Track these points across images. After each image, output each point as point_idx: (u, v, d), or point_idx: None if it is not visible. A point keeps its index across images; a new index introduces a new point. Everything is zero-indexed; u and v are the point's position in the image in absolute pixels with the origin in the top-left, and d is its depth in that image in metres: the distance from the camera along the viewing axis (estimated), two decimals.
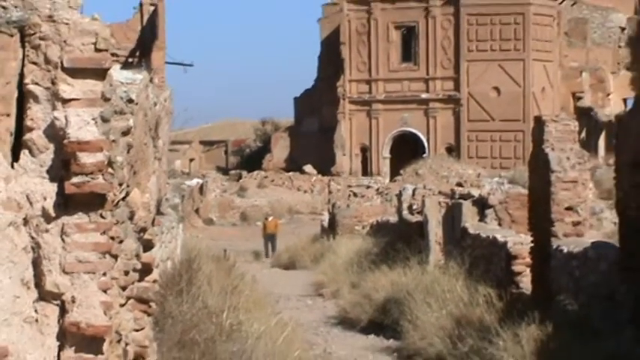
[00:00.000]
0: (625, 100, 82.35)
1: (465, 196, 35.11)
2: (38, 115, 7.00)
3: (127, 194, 8.24)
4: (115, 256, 7.48)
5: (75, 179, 6.86)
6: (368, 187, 70.51)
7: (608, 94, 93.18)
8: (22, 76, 7.03)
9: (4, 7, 7.05)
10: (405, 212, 42.99)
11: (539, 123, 25.50)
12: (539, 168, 24.38)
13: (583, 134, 47.05)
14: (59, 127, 6.92)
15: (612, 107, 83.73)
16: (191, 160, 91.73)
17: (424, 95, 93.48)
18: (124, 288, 8.29)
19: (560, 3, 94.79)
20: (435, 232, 34.34)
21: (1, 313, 6.56)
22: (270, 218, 59.45)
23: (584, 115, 74.93)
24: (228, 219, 72.28)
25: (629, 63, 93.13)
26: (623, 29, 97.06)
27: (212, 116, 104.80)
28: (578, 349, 15.55)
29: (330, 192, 72.81)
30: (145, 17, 62.63)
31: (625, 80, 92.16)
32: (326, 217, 57.43)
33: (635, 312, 17.18)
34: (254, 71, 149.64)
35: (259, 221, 66.22)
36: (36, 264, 6.81)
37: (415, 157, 79.68)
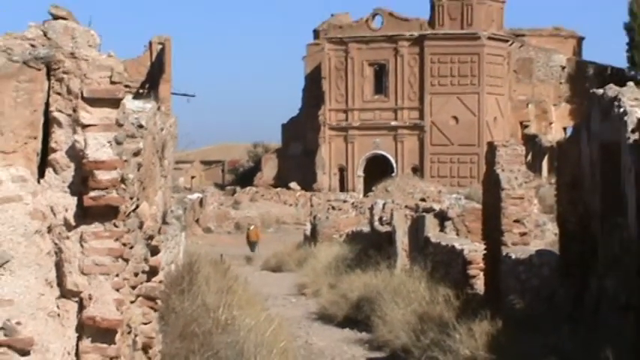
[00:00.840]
0: (565, 129, 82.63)
1: (428, 210, 35.15)
2: (61, 138, 7.01)
3: (137, 206, 8.26)
4: (127, 260, 7.50)
5: (92, 193, 6.89)
6: (344, 201, 70.32)
7: (551, 123, 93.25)
8: (47, 104, 7.03)
9: (33, 46, 7.07)
10: (376, 223, 42.97)
11: (492, 147, 25.60)
12: (492, 186, 24.45)
13: (529, 157, 47.11)
14: (79, 148, 6.94)
15: (554, 134, 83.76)
16: (193, 177, 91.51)
17: (393, 123, 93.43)
18: (133, 287, 8.30)
19: (510, 44, 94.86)
20: (402, 240, 34.37)
21: (28, 308, 6.58)
22: (252, 227, 59.71)
23: (530, 141, 75.07)
24: (224, 228, 72.26)
25: (568, 97, 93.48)
26: (563, 68, 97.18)
27: (211, 140, 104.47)
28: (524, 342, 15.58)
29: (311, 205, 72.67)
30: (154, 54, 62.64)
31: (565, 111, 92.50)
32: (308, 227, 57.39)
33: (571, 311, 17.23)
34: (248, 101, 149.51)
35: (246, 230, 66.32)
36: (58, 266, 6.82)
37: (385, 176, 79.50)
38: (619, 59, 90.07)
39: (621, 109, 16.04)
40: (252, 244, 55.01)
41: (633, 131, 15.39)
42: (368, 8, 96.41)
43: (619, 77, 63.12)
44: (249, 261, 48.67)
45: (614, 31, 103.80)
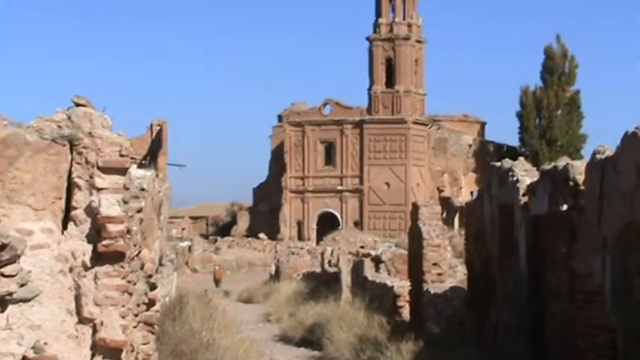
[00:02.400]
0: (471, 193, 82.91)
1: (366, 255, 35.11)
2: (80, 198, 7.03)
3: (139, 252, 8.26)
4: (131, 294, 7.49)
5: (104, 242, 6.93)
6: (301, 248, 69.98)
7: (461, 188, 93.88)
8: (70, 172, 7.06)
9: (59, 126, 7.09)
10: (326, 265, 42.94)
11: (415, 207, 25.69)
12: (415, 237, 24.52)
13: (444, 215, 47.36)
14: (94, 206, 6.96)
15: (463, 197, 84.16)
16: (183, 229, 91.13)
17: (339, 187, 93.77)
18: (136, 315, 8.27)
19: (429, 127, 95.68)
20: (346, 279, 34.34)
21: (53, 332, 6.56)
22: (217, 268, 59.52)
23: (445, 202, 75.40)
24: (207, 269, 71.77)
25: (474, 168, 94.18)
26: (470, 146, 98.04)
27: (197, 200, 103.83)
28: (439, 358, 15.56)
29: (276, 251, 72.28)
30: (154, 133, 62.66)
31: (471, 179, 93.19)
32: (273, 268, 57.18)
33: (476, 334, 17.23)
34: (226, 169, 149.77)
35: (228, 270, 65.77)
36: (77, 299, 6.81)
37: (333, 229, 79.32)
38: (513, 139, 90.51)
39: (514, 178, 16.17)
40: (217, 282, 54.67)
41: (523, 195, 15.52)
42: (320, 98, 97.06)
43: (513, 153, 63.61)
44: (226, 294, 48.26)
45: (509, 118, 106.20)
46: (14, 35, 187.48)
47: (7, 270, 6.34)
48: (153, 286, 9.69)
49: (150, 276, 9.40)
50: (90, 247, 6.94)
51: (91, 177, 7.03)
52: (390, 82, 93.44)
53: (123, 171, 7.14)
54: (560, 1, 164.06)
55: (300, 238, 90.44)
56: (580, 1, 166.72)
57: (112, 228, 6.92)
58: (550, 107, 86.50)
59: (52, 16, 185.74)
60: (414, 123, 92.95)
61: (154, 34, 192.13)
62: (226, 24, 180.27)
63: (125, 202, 7.13)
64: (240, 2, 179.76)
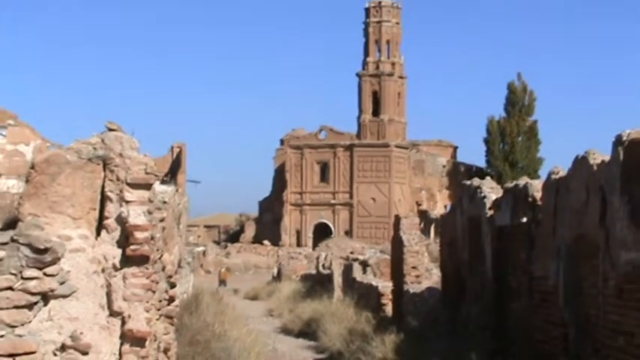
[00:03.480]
0: (445, 207, 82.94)
1: (355, 260, 35.13)
2: (112, 209, 7.03)
3: (162, 255, 8.28)
4: (154, 291, 7.49)
5: (132, 247, 6.92)
6: (299, 253, 69.80)
7: (436, 203, 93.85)
8: (103, 187, 7.07)
9: (94, 148, 7.10)
10: (321, 268, 42.91)
11: (397, 219, 25.73)
12: (397, 244, 24.53)
13: (422, 225, 47.39)
14: (123, 216, 6.97)
15: (438, 210, 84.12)
16: (198, 236, 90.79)
17: (332, 201, 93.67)
18: (158, 309, 8.27)
19: (410, 151, 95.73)
20: (338, 280, 34.33)
21: (88, 323, 6.56)
22: (222, 270, 59.11)
23: (422, 215, 75.22)
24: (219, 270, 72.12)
25: (447, 186, 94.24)
26: (444, 166, 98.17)
27: (211, 211, 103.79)
28: (418, 348, 15.55)
29: (278, 256, 72.17)
30: (174, 154, 62.71)
31: (445, 195, 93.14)
32: (275, 270, 57.13)
33: (449, 328, 17.23)
34: (235, 185, 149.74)
35: (237, 272, 65.62)
36: (108, 295, 6.80)
37: (326, 237, 79.30)
38: (480, 161, 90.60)
39: (482, 194, 16.20)
40: (222, 282, 54.25)
41: (489, 209, 15.55)
42: (316, 125, 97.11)
43: (480, 173, 63.53)
44: (235, 292, 48.18)
45: (477, 143, 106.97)
46: (60, 69, 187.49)
47: (49, 270, 6.37)
48: (173, 285, 9.70)
49: (170, 276, 9.42)
50: (119, 251, 6.94)
51: (121, 191, 7.04)
52: (376, 111, 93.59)
53: (148, 186, 7.15)
54: (521, 44, 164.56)
55: (299, 244, 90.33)
56: (538, 44, 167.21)
57: (139, 235, 6.93)
58: (512, 134, 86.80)
59: (90, 52, 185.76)
60: (397, 147, 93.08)
61: (177, 71, 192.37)
62: (236, 63, 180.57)
63: (150, 213, 7.14)
64: (249, 44, 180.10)
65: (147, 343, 6.98)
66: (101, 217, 7.03)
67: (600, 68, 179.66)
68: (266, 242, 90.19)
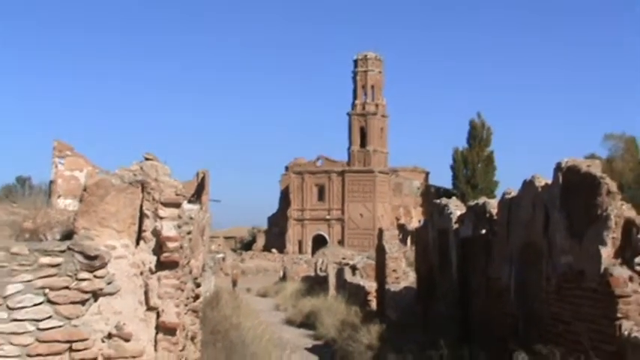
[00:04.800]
0: (419, 221, 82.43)
1: (346, 264, 35.10)
2: (148, 224, 7.03)
3: (189, 261, 8.28)
4: (183, 290, 7.49)
5: (164, 254, 6.91)
6: (301, 259, 69.78)
7: (412, 218, 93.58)
8: (141, 206, 7.09)
9: (134, 174, 7.13)
10: (318, 271, 42.89)
11: (380, 231, 25.75)
12: (380, 251, 24.53)
13: (400, 236, 47.33)
14: (158, 229, 6.97)
15: (413, 224, 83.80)
16: (219, 245, 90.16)
17: (327, 217, 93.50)
18: (186, 305, 8.27)
19: (390, 175, 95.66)
20: (332, 281, 34.24)
21: (129, 316, 6.54)
22: (234, 272, 58.59)
23: (400, 228, 74.93)
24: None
25: (421, 204, 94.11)
26: (418, 188, 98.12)
27: (229, 225, 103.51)
28: (397, 337, 15.54)
29: (283, 261, 71.96)
30: (199, 178, 62.64)
31: (419, 212, 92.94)
32: (281, 272, 57.02)
33: (422, 320, 17.21)
34: (249, 204, 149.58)
35: (250, 274, 65.32)
36: (146, 293, 6.80)
37: (323, 246, 78.88)
38: (448, 184, 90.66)
39: (449, 211, 16.23)
40: (234, 282, 53.86)
41: (455, 223, 15.57)
42: (314, 154, 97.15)
43: (447, 194, 63.59)
44: (248, 291, 48.04)
45: (445, 169, 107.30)
46: (108, 108, 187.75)
47: (98, 273, 6.38)
48: (198, 285, 9.71)
49: (196, 278, 9.43)
50: (154, 257, 6.94)
51: (156, 209, 7.04)
52: (363, 143, 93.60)
53: (178, 205, 7.14)
54: (481, 88, 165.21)
55: (300, 252, 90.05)
56: (495, 89, 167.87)
57: (170, 244, 6.92)
58: (473, 162, 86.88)
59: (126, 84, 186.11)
60: (380, 172, 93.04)
61: (200, 109, 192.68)
62: (249, 105, 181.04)
63: (179, 227, 7.14)
64: (262, 90, 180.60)
65: (177, 332, 6.97)
66: (140, 230, 7.03)
67: (543, 107, 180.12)
68: (274, 250, 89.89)
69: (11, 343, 6.08)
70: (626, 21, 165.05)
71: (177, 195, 7.16)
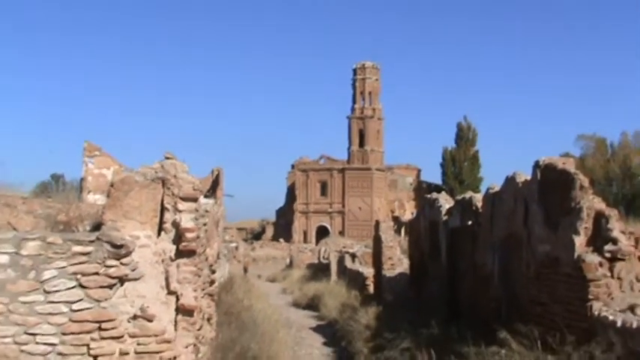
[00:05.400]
0: (412, 213, 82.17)
1: (346, 252, 35.09)
2: (168, 217, 7.05)
3: (205, 250, 8.29)
4: (200, 276, 7.51)
5: (183, 244, 6.93)
6: (306, 248, 69.56)
7: (405, 211, 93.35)
8: (162, 200, 7.10)
9: (156, 172, 7.15)
10: (321, 259, 42.88)
11: (377, 222, 25.71)
12: (377, 241, 24.50)
13: (395, 227, 47.37)
14: (177, 221, 6.99)
15: (407, 216, 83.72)
16: (232, 235, 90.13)
17: (329, 210, 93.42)
18: (203, 289, 8.30)
19: (386, 172, 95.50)
20: (334, 267, 34.21)
21: (152, 299, 6.56)
22: (245, 260, 58.45)
23: (395, 220, 74.78)
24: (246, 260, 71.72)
25: (414, 198, 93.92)
26: (411, 184, 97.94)
27: (241, 217, 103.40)
28: (392, 316, 15.55)
29: (290, 250, 71.88)
30: (214, 175, 62.64)
31: (412, 205, 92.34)
32: (288, 260, 57.00)
33: (415, 301, 17.22)
34: (259, 198, 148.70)
35: (260, 262, 65.23)
36: (166, 279, 6.82)
37: (325, 236, 78.85)
38: (438, 180, 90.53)
39: (439, 204, 16.24)
40: (245, 269, 53.70)
41: (444, 215, 15.58)
42: (318, 153, 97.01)
43: (438, 189, 63.48)
44: (259, 277, 48.03)
45: (435, 167, 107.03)
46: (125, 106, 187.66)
47: (124, 260, 6.41)
48: (213, 271, 9.71)
49: (211, 265, 9.43)
50: (174, 246, 6.95)
51: (175, 203, 7.06)
52: (361, 144, 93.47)
53: (195, 200, 7.15)
54: (467, 94, 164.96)
55: (305, 241, 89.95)
56: (480, 93, 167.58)
57: (188, 235, 6.94)
58: (460, 160, 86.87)
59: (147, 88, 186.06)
60: (377, 170, 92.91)
61: (216, 113, 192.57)
62: (257, 106, 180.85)
63: (196, 219, 7.15)
64: (272, 96, 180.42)
65: (195, 313, 7.00)
66: (161, 222, 7.05)
67: (523, 111, 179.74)
68: (281, 240, 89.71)
69: (48, 323, 6.14)
70: (601, 29, 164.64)
71: (194, 190, 7.17)
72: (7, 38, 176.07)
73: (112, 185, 7.03)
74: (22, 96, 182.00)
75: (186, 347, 6.77)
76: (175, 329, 6.72)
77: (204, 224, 8.04)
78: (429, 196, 17.80)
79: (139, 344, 6.34)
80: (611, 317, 7.50)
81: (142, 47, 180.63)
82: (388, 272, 22.51)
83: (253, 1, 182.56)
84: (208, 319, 9.14)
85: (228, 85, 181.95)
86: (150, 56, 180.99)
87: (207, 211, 8.50)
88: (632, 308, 7.75)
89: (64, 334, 6.13)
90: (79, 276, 6.24)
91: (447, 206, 15.63)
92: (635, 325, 6.97)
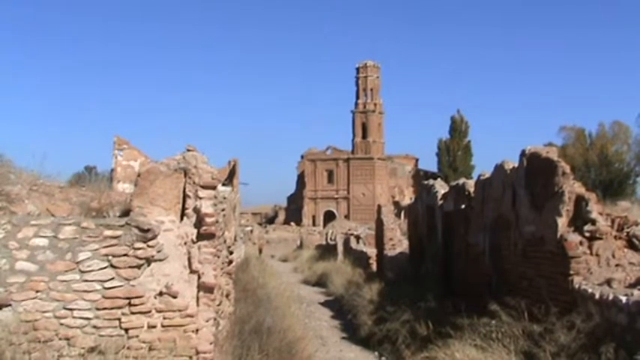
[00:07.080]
0: (411, 199, 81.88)
1: (351, 234, 35.11)
2: (190, 203, 7.04)
3: (223, 233, 8.32)
4: (219, 257, 7.54)
5: (204, 228, 6.92)
6: (315, 230, 69.75)
7: (405, 196, 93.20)
8: (184, 188, 7.12)
9: (178, 163, 7.15)
10: (329, 240, 42.88)
11: (379, 207, 25.68)
12: (380, 224, 24.50)
13: (395, 211, 47.35)
14: (198, 207, 6.99)
15: (406, 201, 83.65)
16: (247, 220, 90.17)
17: (336, 196, 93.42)
18: (222, 269, 8.33)
19: (386, 162, 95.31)
20: (340, 248, 34.16)
21: (176, 277, 6.57)
22: (260, 241, 58.14)
23: (396, 205, 74.92)
24: (261, 242, 71.58)
25: (412, 184, 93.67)
26: (410, 172, 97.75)
27: (256, 203, 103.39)
28: (393, 292, 15.56)
29: (300, 232, 71.96)
30: (231, 166, 62.65)
31: (411, 191, 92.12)
32: (298, 242, 57.03)
33: (414, 278, 17.23)
34: (272, 185, 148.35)
35: (273, 243, 65.23)
36: (189, 259, 6.84)
37: (332, 220, 78.87)
38: (434, 168, 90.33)
39: (435, 190, 16.22)
40: (260, 250, 53.42)
41: (440, 200, 15.57)
42: (325, 144, 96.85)
43: (434, 176, 63.35)
44: (272, 257, 48.08)
45: (432, 156, 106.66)
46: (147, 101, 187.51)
47: (150, 243, 6.45)
48: (231, 252, 9.76)
49: (229, 246, 9.48)
50: (195, 230, 6.94)
51: (196, 191, 7.06)
52: (364, 136, 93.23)
53: (214, 188, 7.14)
54: (460, 90, 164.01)
55: (314, 224, 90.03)
56: (471, 91, 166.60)
57: (208, 220, 6.92)
58: (454, 150, 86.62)
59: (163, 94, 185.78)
60: (378, 159, 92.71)
61: (233, 108, 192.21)
62: (270, 101, 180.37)
63: (215, 205, 7.15)
64: (287, 92, 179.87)
65: (214, 290, 7.01)
66: (183, 208, 7.05)
67: (510, 104, 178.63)
68: (292, 223, 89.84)
69: (83, 299, 6.21)
70: (582, 28, 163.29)
71: (213, 179, 7.17)
72: (56, 45, 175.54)
73: (139, 175, 7.05)
74: (63, 98, 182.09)
75: (207, 321, 6.79)
76: (197, 305, 6.75)
77: (223, 210, 8.06)
78: (425, 182, 17.78)
79: (164, 318, 6.39)
80: (590, 290, 7.51)
81: (165, 52, 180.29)
82: (389, 252, 22.53)
83: (271, 6, 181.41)
84: (227, 296, 9.19)
85: (245, 84, 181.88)
86: (175, 62, 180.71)
87: (225, 198, 8.52)
88: (608, 282, 7.77)
89: (97, 309, 6.20)
90: (110, 257, 6.28)
91: (442, 192, 15.62)
92: (611, 297, 6.99)
